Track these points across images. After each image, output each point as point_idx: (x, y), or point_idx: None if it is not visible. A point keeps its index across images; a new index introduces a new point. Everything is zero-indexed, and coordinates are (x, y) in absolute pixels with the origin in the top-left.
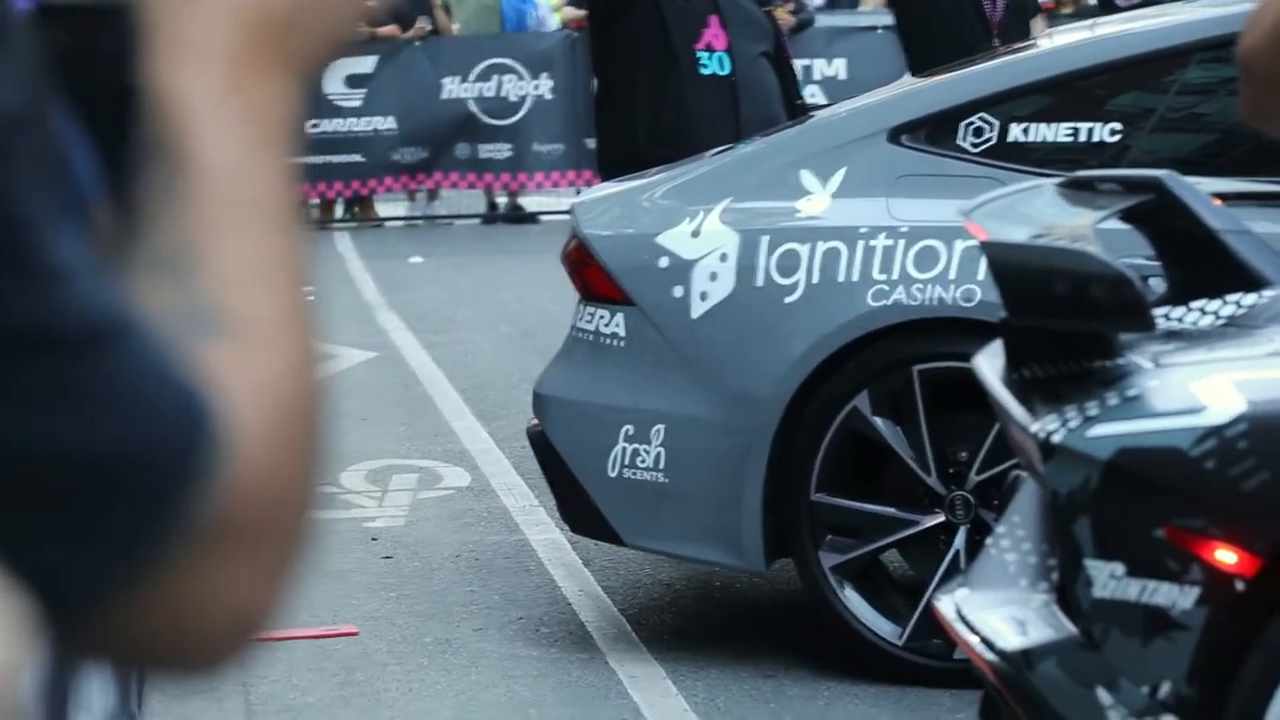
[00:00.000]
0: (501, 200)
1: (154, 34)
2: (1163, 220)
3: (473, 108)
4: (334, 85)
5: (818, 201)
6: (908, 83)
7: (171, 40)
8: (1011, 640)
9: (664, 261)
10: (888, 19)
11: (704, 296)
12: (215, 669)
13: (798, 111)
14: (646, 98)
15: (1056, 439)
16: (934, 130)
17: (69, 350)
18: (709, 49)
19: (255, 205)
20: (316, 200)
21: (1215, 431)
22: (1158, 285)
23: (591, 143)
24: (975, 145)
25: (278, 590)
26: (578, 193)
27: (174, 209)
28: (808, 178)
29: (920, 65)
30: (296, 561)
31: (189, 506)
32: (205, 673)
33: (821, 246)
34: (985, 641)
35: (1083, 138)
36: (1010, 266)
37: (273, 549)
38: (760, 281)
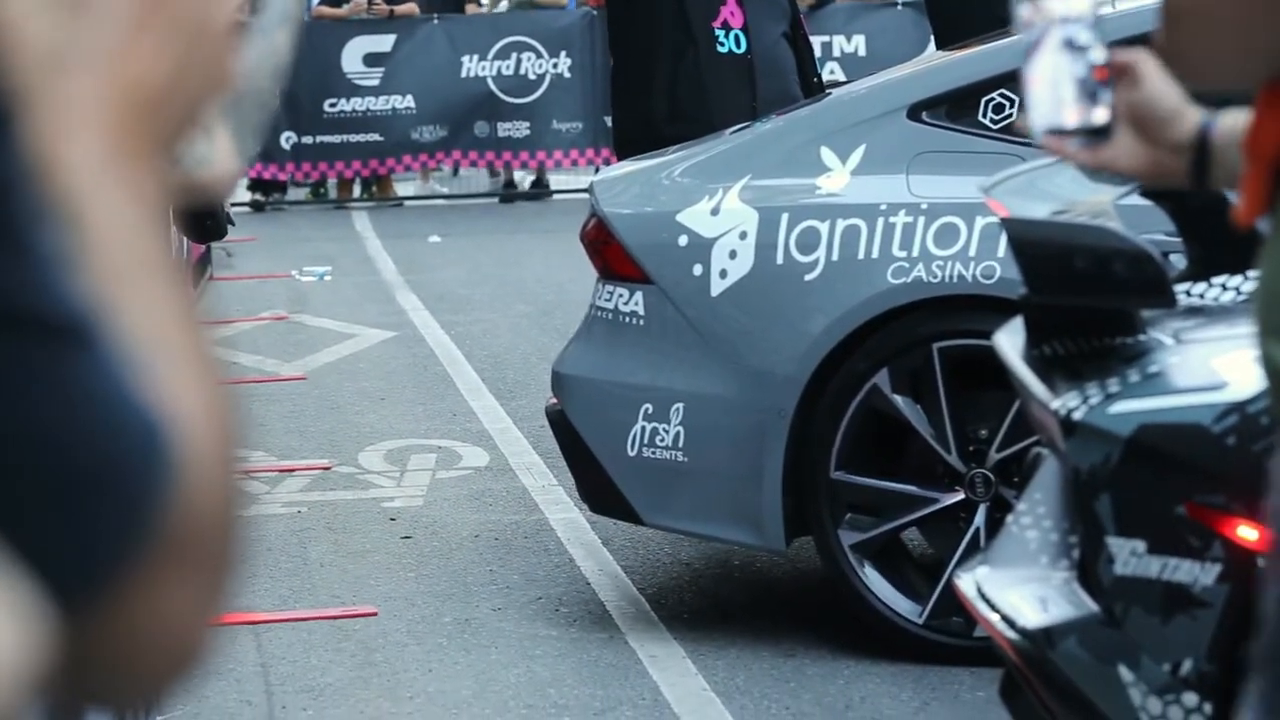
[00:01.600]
0: (519, 176)
1: (35, 104)
2: (1184, 195)
3: (491, 86)
4: (352, 64)
5: (837, 179)
6: (927, 59)
7: (52, 112)
8: (1032, 618)
9: (683, 239)
10: None
11: (723, 274)
12: (150, 694)
13: (814, 89)
14: (664, 76)
15: (1077, 416)
16: (954, 107)
17: (43, 335)
18: (725, 26)
19: (147, 262)
20: (334, 179)
21: (1237, 408)
22: (1179, 261)
23: (610, 121)
24: (995, 122)
25: (212, 612)
26: (596, 171)
27: (77, 262)
28: (827, 155)
29: (947, 40)
30: (227, 584)
31: (148, 520)
32: (138, 699)
33: (841, 224)
34: (1006, 619)
35: None
36: (1031, 243)
37: (210, 569)
38: (780, 259)
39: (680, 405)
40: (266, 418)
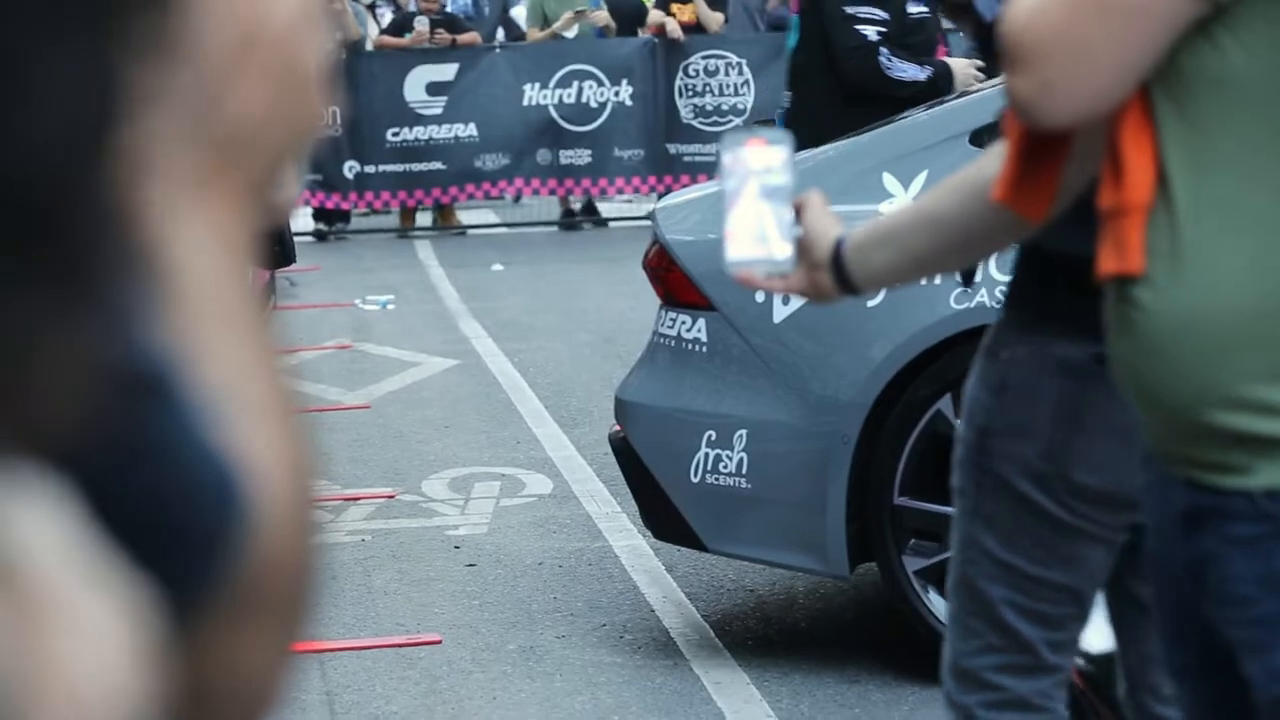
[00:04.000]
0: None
1: (123, 149)
2: None
3: (553, 114)
4: (415, 93)
5: (900, 205)
6: (990, 85)
7: (141, 156)
8: (1097, 643)
9: None
10: None
11: (786, 301)
12: None
13: None
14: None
15: None
16: None
17: (117, 386)
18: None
19: (232, 308)
20: (398, 208)
21: None
22: None
23: (672, 148)
24: None
25: (286, 661)
26: (658, 198)
27: (158, 310)
28: (890, 181)
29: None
30: (299, 635)
31: (220, 572)
32: None
33: None
34: None
35: None
36: None
37: (284, 619)
38: None
39: (743, 432)
40: (330, 446)
